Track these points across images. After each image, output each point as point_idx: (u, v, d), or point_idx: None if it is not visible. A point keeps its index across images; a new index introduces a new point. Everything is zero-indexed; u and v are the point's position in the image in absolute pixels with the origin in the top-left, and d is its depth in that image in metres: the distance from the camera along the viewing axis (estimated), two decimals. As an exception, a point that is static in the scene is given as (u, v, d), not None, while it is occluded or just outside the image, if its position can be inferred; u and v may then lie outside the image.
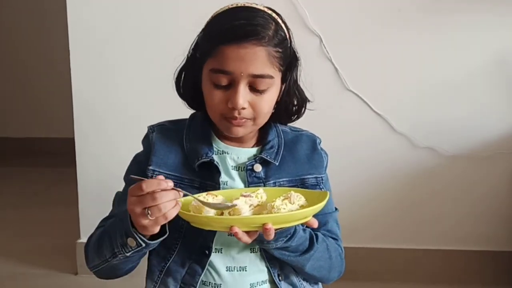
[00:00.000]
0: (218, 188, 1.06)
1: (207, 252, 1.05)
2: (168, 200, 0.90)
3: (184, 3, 2.03)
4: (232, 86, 1.02)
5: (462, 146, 2.08)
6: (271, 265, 1.08)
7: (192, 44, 1.11)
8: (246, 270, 1.06)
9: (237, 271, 1.06)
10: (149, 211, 0.89)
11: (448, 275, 2.14)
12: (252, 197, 0.98)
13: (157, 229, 0.93)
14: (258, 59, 1.01)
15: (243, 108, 1.02)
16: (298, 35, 1.99)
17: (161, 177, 0.93)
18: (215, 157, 1.08)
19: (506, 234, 2.12)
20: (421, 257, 2.15)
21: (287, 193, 0.98)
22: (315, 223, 0.99)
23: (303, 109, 1.16)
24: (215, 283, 1.05)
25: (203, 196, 0.97)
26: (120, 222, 0.98)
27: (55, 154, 3.75)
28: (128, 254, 0.98)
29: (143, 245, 0.95)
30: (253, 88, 1.03)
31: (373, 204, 2.13)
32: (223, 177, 1.08)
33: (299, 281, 1.11)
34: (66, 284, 2.21)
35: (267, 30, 1.02)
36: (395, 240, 2.16)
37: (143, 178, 0.92)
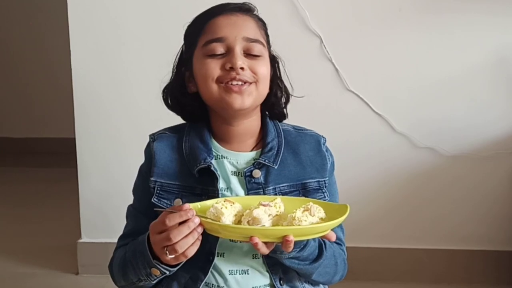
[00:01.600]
0: (217, 195, 1.04)
1: (211, 258, 1.05)
2: (184, 237, 0.90)
3: (184, 2, 2.03)
4: (227, 54, 1.04)
5: (462, 146, 2.08)
6: (272, 270, 1.06)
7: (176, 56, 1.13)
8: (248, 273, 1.06)
9: (239, 274, 1.06)
10: (167, 251, 0.91)
11: (450, 275, 2.14)
12: (271, 206, 0.96)
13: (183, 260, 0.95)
14: (249, 25, 1.07)
15: (242, 68, 1.02)
16: (299, 35, 2.03)
17: (187, 205, 0.93)
18: (214, 162, 1.07)
19: (508, 234, 2.12)
20: (423, 257, 2.15)
21: (307, 204, 0.95)
22: (333, 237, 0.95)
23: (287, 99, 1.15)
24: (218, 285, 1.05)
25: (221, 203, 0.95)
26: (140, 255, 0.99)
27: (55, 154, 3.76)
28: (153, 282, 1.02)
29: (167, 273, 0.99)
30: (247, 54, 1.05)
31: (373, 204, 2.13)
32: (221, 183, 1.07)
33: (301, 283, 1.10)
34: (66, 284, 2.20)
35: (252, 9, 1.11)
36: (396, 240, 2.16)
37: (164, 209, 0.94)
